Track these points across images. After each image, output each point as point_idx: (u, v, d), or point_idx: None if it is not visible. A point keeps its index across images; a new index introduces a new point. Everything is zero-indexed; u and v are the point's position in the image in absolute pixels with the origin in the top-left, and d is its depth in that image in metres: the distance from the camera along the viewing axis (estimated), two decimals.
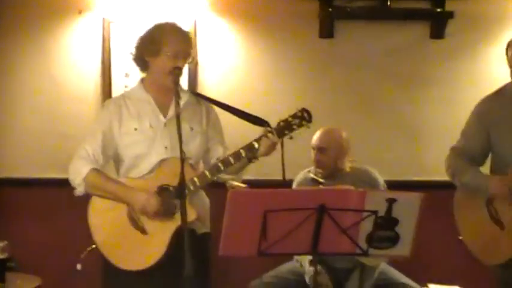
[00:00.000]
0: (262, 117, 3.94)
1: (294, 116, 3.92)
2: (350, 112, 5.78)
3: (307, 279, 4.82)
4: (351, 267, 4.85)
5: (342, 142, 5.03)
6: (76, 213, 4.04)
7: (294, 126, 3.91)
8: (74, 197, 4.02)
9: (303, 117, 3.93)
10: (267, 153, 3.88)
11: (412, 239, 3.49)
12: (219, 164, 3.91)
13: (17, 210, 5.69)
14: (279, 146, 3.89)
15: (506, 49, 4.34)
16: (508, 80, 4.37)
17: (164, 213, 3.88)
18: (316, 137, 5.01)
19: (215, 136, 4.18)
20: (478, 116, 4.44)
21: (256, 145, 3.87)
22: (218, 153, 4.15)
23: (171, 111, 4.01)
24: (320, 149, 5.01)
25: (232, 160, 3.89)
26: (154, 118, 4.04)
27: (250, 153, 3.89)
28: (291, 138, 3.90)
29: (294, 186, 5.04)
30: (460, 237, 4.49)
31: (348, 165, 5.07)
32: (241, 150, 3.89)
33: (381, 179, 5.08)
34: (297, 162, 4.89)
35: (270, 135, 3.86)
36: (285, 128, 3.90)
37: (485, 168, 4.47)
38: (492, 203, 4.31)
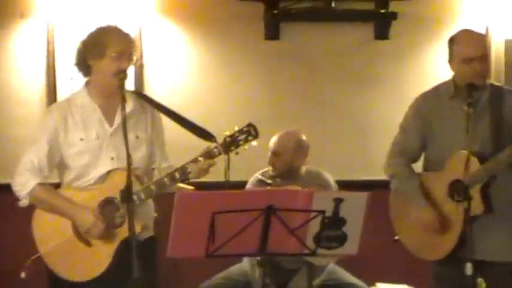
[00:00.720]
0: (208, 126, 3.93)
1: (241, 132, 3.92)
2: (298, 113, 5.80)
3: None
4: (298, 268, 4.87)
5: (297, 146, 5.04)
6: (20, 219, 4.01)
7: (241, 142, 3.92)
8: (17, 203, 3.98)
9: (249, 133, 3.93)
10: (203, 172, 3.91)
11: (359, 238, 3.51)
12: (165, 179, 3.90)
13: None
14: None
15: (448, 44, 4.40)
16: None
17: (108, 229, 3.88)
18: (273, 141, 5.03)
19: (158, 143, 4.14)
20: (415, 111, 4.50)
21: (201, 160, 3.89)
22: (156, 161, 4.13)
23: (117, 120, 3.96)
24: (274, 153, 5.02)
25: (178, 175, 3.89)
26: (100, 128, 3.98)
27: (193, 168, 3.90)
28: (236, 153, 3.91)
29: (248, 187, 5.05)
30: (396, 237, 4.53)
31: (303, 167, 5.10)
32: (187, 166, 3.89)
33: (332, 181, 5.11)
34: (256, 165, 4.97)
35: (214, 151, 3.87)
36: (231, 143, 3.91)
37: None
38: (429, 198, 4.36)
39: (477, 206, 4.17)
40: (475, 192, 4.16)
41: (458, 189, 4.15)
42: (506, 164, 4.20)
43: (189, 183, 4.20)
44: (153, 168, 4.14)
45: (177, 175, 3.90)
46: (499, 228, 4.26)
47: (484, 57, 4.31)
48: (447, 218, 4.25)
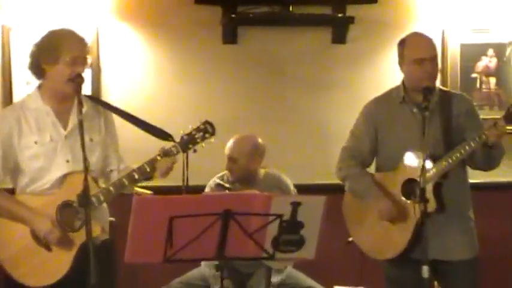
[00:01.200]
0: (166, 130, 3.95)
1: (197, 130, 3.95)
2: (256, 116, 5.80)
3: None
4: (255, 271, 4.88)
5: (253, 151, 5.06)
6: None
7: (198, 140, 3.94)
8: None
9: (206, 130, 3.97)
10: (165, 173, 3.93)
11: (317, 241, 3.52)
12: (124, 180, 3.91)
13: None
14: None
15: (398, 47, 4.44)
16: None
17: (67, 234, 3.86)
18: (228, 146, 5.04)
19: (112, 145, 4.14)
20: (367, 117, 4.54)
21: (159, 158, 3.90)
22: (113, 163, 4.13)
23: (71, 123, 3.96)
24: (230, 159, 5.03)
25: (136, 175, 3.90)
26: (54, 131, 3.96)
27: (153, 168, 3.91)
28: (195, 151, 3.93)
29: (205, 192, 5.04)
30: (350, 239, 4.56)
31: (261, 171, 5.11)
32: (146, 165, 3.91)
33: (291, 185, 5.14)
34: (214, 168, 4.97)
35: (172, 151, 3.90)
36: (189, 141, 3.93)
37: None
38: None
39: (429, 204, 4.22)
40: (428, 191, 4.21)
41: (413, 190, 4.17)
42: (456, 163, 4.26)
43: (146, 188, 4.21)
44: (111, 170, 4.13)
45: (136, 175, 3.91)
46: (451, 227, 4.31)
47: (434, 58, 4.36)
48: (402, 213, 4.27)
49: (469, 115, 4.42)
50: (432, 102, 4.36)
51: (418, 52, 4.34)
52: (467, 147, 4.20)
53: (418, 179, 4.09)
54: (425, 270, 3.94)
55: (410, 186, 4.23)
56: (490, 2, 5.81)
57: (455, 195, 4.32)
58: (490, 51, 5.87)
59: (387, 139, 4.46)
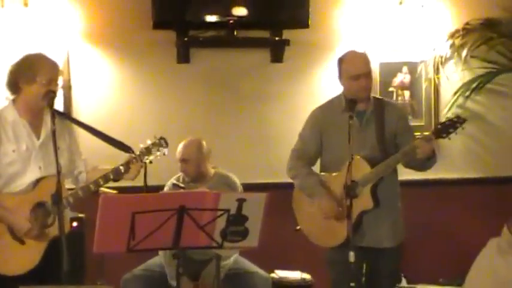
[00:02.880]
0: (125, 142, 4.01)
1: (153, 144, 4.10)
2: (206, 126, 5.79)
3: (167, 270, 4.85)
4: (208, 259, 4.88)
5: (201, 150, 5.07)
6: None
7: (153, 152, 4.08)
8: None
9: (161, 144, 4.12)
10: (134, 177, 4.05)
11: (259, 232, 3.54)
12: (91, 185, 3.98)
13: None
14: None
15: (338, 63, 4.46)
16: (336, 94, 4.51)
17: (41, 229, 3.88)
18: (179, 150, 5.04)
19: (76, 150, 4.19)
20: (312, 122, 4.55)
21: (122, 169, 4.01)
22: (79, 166, 4.19)
23: (43, 134, 3.99)
24: (183, 160, 5.03)
25: (101, 181, 3.98)
26: (29, 141, 3.97)
27: (117, 176, 4.01)
28: (151, 162, 4.07)
29: (165, 190, 5.03)
30: (298, 227, 4.57)
31: (211, 170, 5.11)
32: (110, 174, 3.99)
33: (238, 183, 5.15)
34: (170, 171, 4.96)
35: (133, 162, 4.00)
36: (146, 153, 4.07)
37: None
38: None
39: (367, 202, 4.27)
40: (366, 191, 4.25)
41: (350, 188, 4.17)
42: (392, 168, 4.31)
43: (111, 188, 4.22)
44: (80, 172, 4.18)
45: (101, 181, 3.99)
46: (384, 220, 4.35)
47: (368, 73, 4.38)
48: (343, 211, 4.29)
49: (400, 121, 4.46)
50: (368, 111, 4.39)
51: (354, 69, 4.35)
52: (400, 157, 4.25)
53: (358, 181, 4.14)
54: (351, 255, 4.00)
55: (351, 186, 4.18)
56: (404, 28, 5.85)
57: (387, 192, 4.36)
58: (405, 69, 5.92)
59: (330, 143, 4.47)
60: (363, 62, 4.40)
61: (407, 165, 4.41)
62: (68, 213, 4.08)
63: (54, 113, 3.81)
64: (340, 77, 4.42)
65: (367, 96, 4.38)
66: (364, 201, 4.26)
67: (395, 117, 4.43)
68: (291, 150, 4.60)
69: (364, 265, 4.45)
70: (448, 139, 4.26)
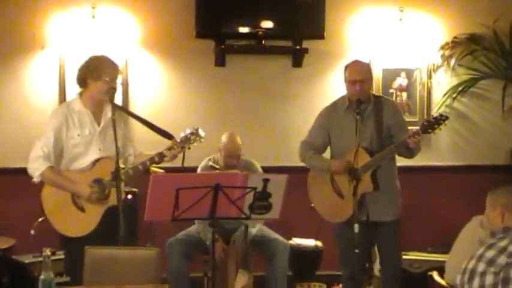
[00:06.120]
0: (169, 131, 4.00)
1: (191, 133, 4.07)
2: (236, 120, 5.77)
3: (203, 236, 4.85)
4: (237, 227, 4.88)
5: (240, 146, 5.03)
6: (34, 192, 3.98)
7: (191, 141, 4.06)
8: (31, 182, 3.95)
9: (198, 135, 4.07)
10: (171, 160, 4.03)
11: (280, 206, 3.53)
12: (139, 166, 4.01)
13: None
14: None
15: (344, 70, 4.43)
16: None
17: (99, 199, 3.91)
18: (226, 147, 4.96)
19: (128, 137, 4.22)
20: (320, 120, 4.56)
21: (165, 153, 4.01)
22: (129, 150, 4.20)
23: (103, 122, 4.02)
24: (229, 156, 4.96)
25: (148, 163, 4.01)
26: (91, 127, 4.01)
27: (160, 159, 4.01)
28: (189, 149, 4.05)
29: (199, 170, 5.01)
30: (312, 205, 4.56)
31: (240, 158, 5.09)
32: (155, 157, 4.01)
33: (259, 167, 5.12)
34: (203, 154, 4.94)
35: (174, 148, 3.98)
36: (185, 142, 4.04)
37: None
38: (334, 179, 4.39)
39: (368, 185, 4.25)
40: (367, 176, 4.22)
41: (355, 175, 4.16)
42: (388, 157, 4.27)
43: (160, 168, 4.23)
44: (129, 155, 4.20)
45: (148, 163, 4.01)
46: (383, 198, 4.33)
47: (362, 80, 4.34)
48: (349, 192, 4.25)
49: (395, 116, 4.43)
50: (368, 109, 4.37)
51: (351, 76, 4.35)
52: (394, 148, 4.22)
53: (359, 168, 4.13)
54: (356, 227, 3.99)
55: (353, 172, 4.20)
56: (403, 40, 5.81)
57: (386, 177, 4.34)
58: (403, 74, 5.86)
59: (336, 137, 4.46)
60: (359, 70, 4.37)
61: (399, 154, 4.38)
62: (123, 188, 4.09)
63: (114, 105, 3.84)
64: (344, 80, 4.42)
65: (363, 99, 4.33)
66: (365, 185, 4.23)
67: (391, 111, 4.41)
68: (301, 142, 4.59)
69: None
70: (434, 134, 4.22)
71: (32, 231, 4.05)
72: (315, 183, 4.52)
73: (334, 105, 4.55)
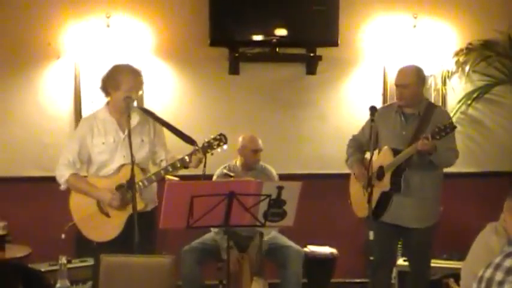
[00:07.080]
0: (191, 137, 3.97)
1: (215, 139, 3.99)
2: (253, 127, 5.72)
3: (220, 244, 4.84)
4: (252, 235, 4.87)
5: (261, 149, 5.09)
6: (62, 199, 4.06)
7: (214, 146, 3.97)
8: (54, 189, 4.02)
9: (221, 140, 4.00)
10: (196, 166, 3.95)
11: (295, 214, 3.52)
12: (161, 171, 3.97)
13: (13, 199, 5.50)
14: None
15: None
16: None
17: (122, 205, 3.93)
18: (254, 143, 5.04)
19: (159, 142, 4.17)
20: (371, 118, 4.38)
21: (187, 159, 3.93)
22: (161, 155, 4.18)
23: (127, 129, 3.96)
24: (255, 151, 5.03)
25: (170, 168, 3.95)
26: (116, 135, 4.04)
27: (183, 164, 3.94)
28: (212, 154, 3.97)
29: (214, 178, 5.01)
30: (349, 201, 4.61)
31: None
32: (177, 162, 3.94)
33: (275, 173, 5.12)
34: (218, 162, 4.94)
35: (197, 153, 3.91)
36: (208, 147, 3.96)
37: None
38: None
39: (386, 185, 4.26)
40: (388, 176, 4.22)
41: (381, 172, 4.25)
42: (404, 158, 4.23)
43: (175, 176, 4.23)
44: (161, 160, 4.17)
45: (170, 168, 3.96)
46: (410, 204, 4.31)
47: (402, 85, 4.36)
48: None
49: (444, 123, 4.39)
50: (416, 113, 4.38)
51: (395, 79, 4.43)
52: (410, 150, 4.20)
53: (385, 166, 4.21)
54: (370, 234, 4.00)
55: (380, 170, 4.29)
56: (417, 47, 5.78)
57: (416, 182, 4.30)
58: None
59: (382, 135, 4.47)
60: (400, 75, 4.40)
61: (423, 159, 4.28)
62: (153, 193, 4.15)
63: (130, 114, 3.88)
64: None
65: (402, 104, 4.37)
66: (384, 184, 4.27)
67: (441, 119, 4.31)
68: (352, 136, 4.67)
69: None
70: None
71: (63, 235, 4.13)
72: (353, 182, 4.61)
73: (389, 106, 4.62)
